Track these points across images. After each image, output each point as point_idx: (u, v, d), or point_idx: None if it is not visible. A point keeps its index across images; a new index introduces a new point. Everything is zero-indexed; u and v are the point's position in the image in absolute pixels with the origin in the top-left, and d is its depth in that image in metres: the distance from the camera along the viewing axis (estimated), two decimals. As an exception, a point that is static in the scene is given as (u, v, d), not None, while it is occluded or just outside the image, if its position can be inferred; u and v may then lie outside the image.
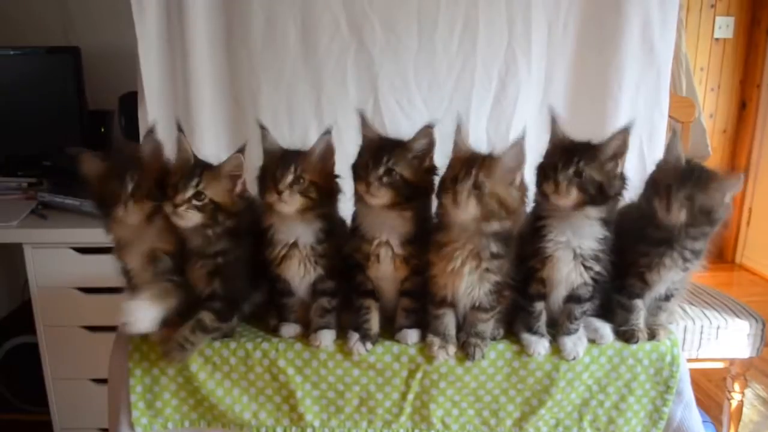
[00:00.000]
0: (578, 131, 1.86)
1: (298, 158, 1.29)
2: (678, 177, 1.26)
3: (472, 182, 1.20)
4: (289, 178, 1.27)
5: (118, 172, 1.25)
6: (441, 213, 1.28)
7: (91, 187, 1.28)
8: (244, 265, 1.36)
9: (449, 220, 1.26)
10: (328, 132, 1.32)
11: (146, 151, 1.27)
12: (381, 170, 1.25)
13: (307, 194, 1.30)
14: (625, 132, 1.26)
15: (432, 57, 1.87)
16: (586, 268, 1.32)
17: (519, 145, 1.21)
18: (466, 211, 1.22)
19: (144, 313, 1.27)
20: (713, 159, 4.14)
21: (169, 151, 1.76)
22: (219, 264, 1.32)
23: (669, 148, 1.33)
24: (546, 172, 1.27)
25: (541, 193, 1.30)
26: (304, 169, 1.28)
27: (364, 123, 1.34)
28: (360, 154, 1.32)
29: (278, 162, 1.29)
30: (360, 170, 1.28)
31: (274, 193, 1.28)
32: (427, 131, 1.29)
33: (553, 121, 1.31)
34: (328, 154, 1.33)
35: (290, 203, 1.29)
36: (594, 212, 1.28)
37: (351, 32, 1.84)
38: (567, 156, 1.25)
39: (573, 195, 1.25)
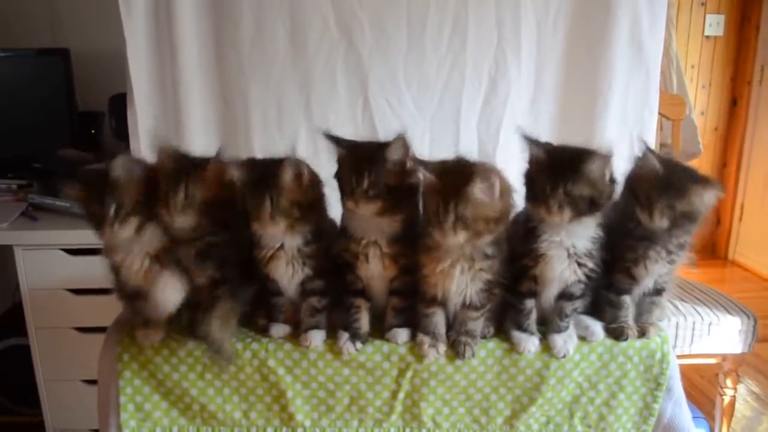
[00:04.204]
0: (568, 130, 1.90)
1: (268, 186, 1.27)
2: (657, 186, 1.26)
3: (454, 217, 1.20)
4: (267, 207, 1.27)
5: (96, 196, 1.26)
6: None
7: (80, 208, 1.30)
8: (234, 246, 1.36)
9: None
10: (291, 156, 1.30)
11: (118, 171, 1.27)
12: (365, 184, 1.26)
13: (290, 215, 1.29)
14: (606, 158, 1.23)
15: (422, 57, 1.87)
16: (579, 265, 1.32)
17: (487, 173, 1.20)
18: (456, 240, 1.23)
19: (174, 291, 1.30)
20: (705, 156, 4.16)
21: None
22: (208, 243, 1.32)
23: (643, 159, 1.30)
24: (535, 193, 1.27)
25: (532, 210, 1.29)
26: (279, 194, 1.27)
27: (333, 140, 1.31)
28: (340, 168, 1.31)
29: (253, 192, 1.28)
30: (345, 186, 1.28)
31: (258, 224, 1.29)
32: (400, 142, 1.28)
33: (528, 140, 1.28)
34: (298, 175, 1.30)
35: (277, 227, 1.29)
36: (589, 219, 1.29)
37: (340, 32, 1.83)
38: (553, 180, 1.23)
39: (566, 214, 1.24)
